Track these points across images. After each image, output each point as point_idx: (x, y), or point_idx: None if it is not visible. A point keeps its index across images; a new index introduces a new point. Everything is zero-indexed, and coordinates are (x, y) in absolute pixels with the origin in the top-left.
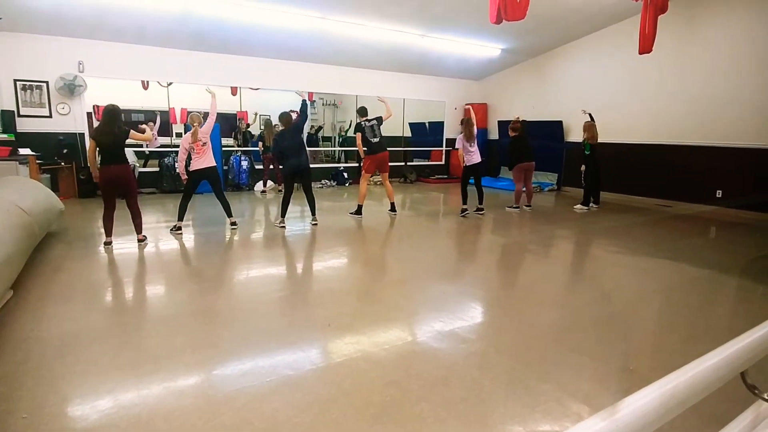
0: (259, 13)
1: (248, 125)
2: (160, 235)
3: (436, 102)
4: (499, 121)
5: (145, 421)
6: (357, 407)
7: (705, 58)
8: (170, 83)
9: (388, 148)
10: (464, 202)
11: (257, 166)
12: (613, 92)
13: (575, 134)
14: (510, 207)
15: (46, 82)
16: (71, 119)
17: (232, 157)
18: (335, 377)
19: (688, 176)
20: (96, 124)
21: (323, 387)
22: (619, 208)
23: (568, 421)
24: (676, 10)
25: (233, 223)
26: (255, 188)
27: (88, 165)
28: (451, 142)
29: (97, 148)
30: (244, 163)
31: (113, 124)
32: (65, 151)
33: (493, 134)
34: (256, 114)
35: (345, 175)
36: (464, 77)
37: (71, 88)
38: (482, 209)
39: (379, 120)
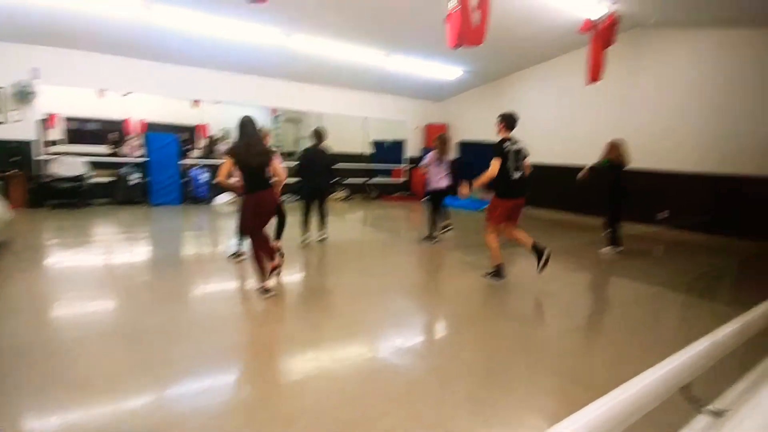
0: (223, 27)
1: (212, 138)
2: (112, 246)
3: (398, 121)
4: (460, 142)
5: None
6: (318, 425)
7: (650, 89)
8: (128, 93)
9: (352, 164)
10: (430, 231)
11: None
12: (564, 117)
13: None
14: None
15: None
16: (23, 126)
17: (191, 171)
18: (296, 394)
19: (635, 198)
20: (51, 130)
21: (283, 405)
22: (570, 227)
23: None
24: (624, 44)
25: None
26: (216, 200)
27: (219, 182)
28: (414, 160)
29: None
30: (204, 176)
31: (261, 143)
32: (16, 158)
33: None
34: (223, 129)
35: None
36: (425, 98)
37: (24, 95)
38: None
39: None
